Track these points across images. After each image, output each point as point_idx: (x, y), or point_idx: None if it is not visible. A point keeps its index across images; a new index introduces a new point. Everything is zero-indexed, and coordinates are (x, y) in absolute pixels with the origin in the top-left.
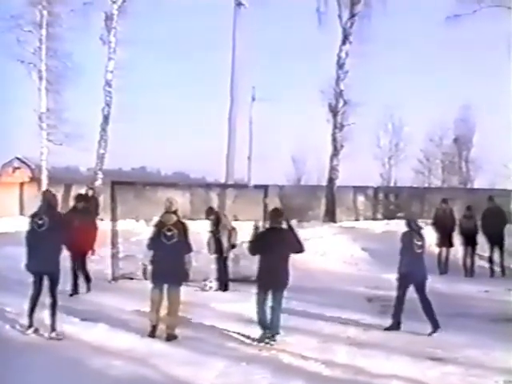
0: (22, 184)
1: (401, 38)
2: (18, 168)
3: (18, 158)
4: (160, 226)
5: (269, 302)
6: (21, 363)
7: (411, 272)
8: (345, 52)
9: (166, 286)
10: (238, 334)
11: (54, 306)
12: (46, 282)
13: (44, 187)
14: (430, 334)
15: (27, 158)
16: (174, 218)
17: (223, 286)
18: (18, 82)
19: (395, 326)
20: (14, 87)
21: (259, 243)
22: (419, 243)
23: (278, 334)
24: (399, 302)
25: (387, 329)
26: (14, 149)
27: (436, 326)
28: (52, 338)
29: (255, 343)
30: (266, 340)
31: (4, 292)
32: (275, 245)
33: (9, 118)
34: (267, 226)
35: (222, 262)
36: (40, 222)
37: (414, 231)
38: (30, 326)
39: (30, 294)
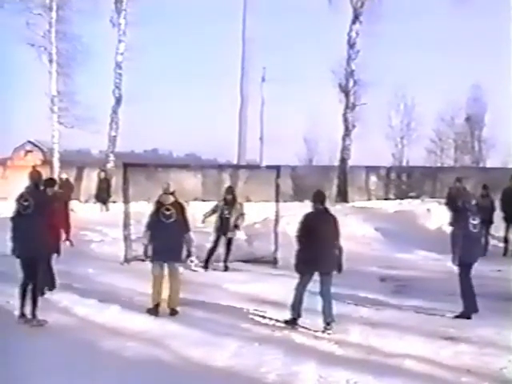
0: (34, 168)
1: (411, 17)
2: (30, 151)
3: (29, 142)
4: (158, 205)
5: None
6: (32, 347)
7: (470, 254)
8: (355, 31)
9: (165, 265)
10: (252, 314)
11: (34, 291)
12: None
13: (56, 170)
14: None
15: (39, 141)
16: (172, 198)
17: (225, 266)
18: (29, 65)
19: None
20: (25, 71)
21: (308, 227)
22: (475, 222)
23: (333, 321)
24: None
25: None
26: (26, 132)
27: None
28: (33, 325)
29: (283, 325)
30: (323, 329)
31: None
32: (324, 226)
33: (20, 101)
34: (311, 209)
35: (226, 242)
36: (25, 203)
37: (469, 211)
38: (23, 315)
39: (20, 283)
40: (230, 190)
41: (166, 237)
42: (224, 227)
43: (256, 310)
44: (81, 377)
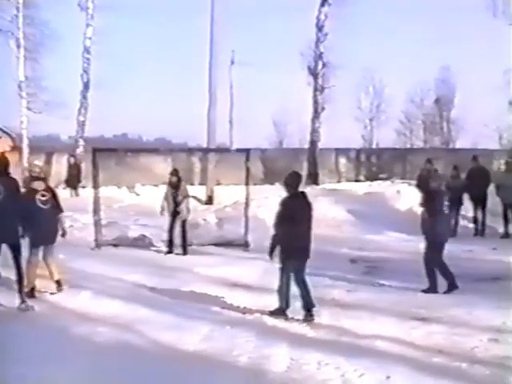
0: (2, 153)
1: None
2: None
3: None
4: (33, 192)
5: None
6: (5, 333)
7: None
8: (324, 14)
9: (42, 248)
10: (222, 297)
11: (20, 275)
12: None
13: (25, 156)
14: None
15: (7, 127)
16: (44, 184)
17: (183, 249)
18: None
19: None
20: None
21: (287, 213)
22: (446, 203)
23: (314, 307)
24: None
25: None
26: None
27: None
28: (21, 309)
29: (271, 316)
30: (305, 317)
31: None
32: (302, 212)
33: None
34: (286, 192)
35: (180, 225)
36: None
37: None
38: None
39: None
40: (175, 172)
41: (44, 222)
42: (174, 210)
43: (224, 295)
44: (52, 362)
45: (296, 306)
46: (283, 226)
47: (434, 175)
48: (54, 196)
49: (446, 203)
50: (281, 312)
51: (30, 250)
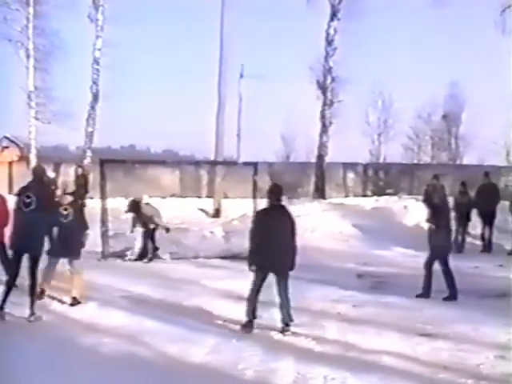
0: (10, 163)
1: (389, 14)
2: (7, 147)
3: (6, 137)
4: (56, 205)
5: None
6: (9, 343)
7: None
8: (333, 28)
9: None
10: (228, 310)
11: (33, 288)
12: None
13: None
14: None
15: (16, 136)
16: (70, 198)
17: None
18: (6, 60)
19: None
20: (2, 66)
21: (260, 224)
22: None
23: (292, 321)
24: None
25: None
26: (3, 128)
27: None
28: (31, 321)
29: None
30: (281, 330)
31: None
32: (278, 223)
33: None
34: (266, 204)
35: (148, 234)
36: (27, 200)
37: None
38: (1, 308)
39: (6, 279)
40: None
41: (67, 236)
42: (143, 223)
43: (230, 308)
44: (57, 373)
45: (303, 321)
46: (255, 239)
47: (439, 191)
48: (81, 211)
49: (451, 217)
50: (250, 324)
51: (49, 260)
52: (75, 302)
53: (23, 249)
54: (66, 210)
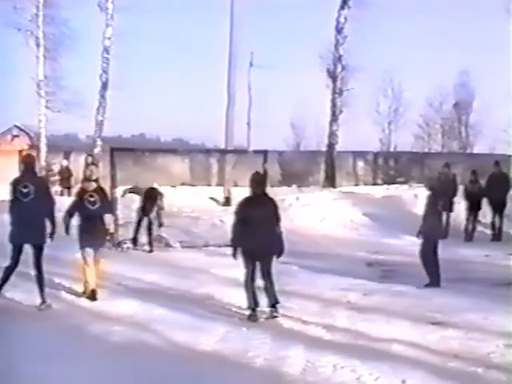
0: (20, 152)
1: (400, 1)
2: (17, 136)
3: (16, 126)
4: (82, 193)
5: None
6: (18, 331)
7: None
8: (343, 17)
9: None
10: (238, 299)
11: (40, 278)
12: (30, 254)
13: (43, 155)
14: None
15: (26, 125)
16: (94, 185)
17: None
18: (16, 49)
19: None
20: (12, 55)
21: (243, 213)
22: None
23: (278, 303)
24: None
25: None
26: (13, 117)
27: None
28: (41, 309)
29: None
30: (270, 313)
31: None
32: (260, 211)
33: (7, 85)
34: (249, 193)
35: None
36: (25, 190)
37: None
38: None
39: (6, 266)
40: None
41: (91, 223)
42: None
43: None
44: (67, 361)
45: (313, 309)
46: (237, 227)
47: (430, 178)
48: (106, 197)
49: (442, 203)
50: (254, 313)
51: (82, 253)
52: (92, 296)
53: (25, 239)
54: (91, 196)
